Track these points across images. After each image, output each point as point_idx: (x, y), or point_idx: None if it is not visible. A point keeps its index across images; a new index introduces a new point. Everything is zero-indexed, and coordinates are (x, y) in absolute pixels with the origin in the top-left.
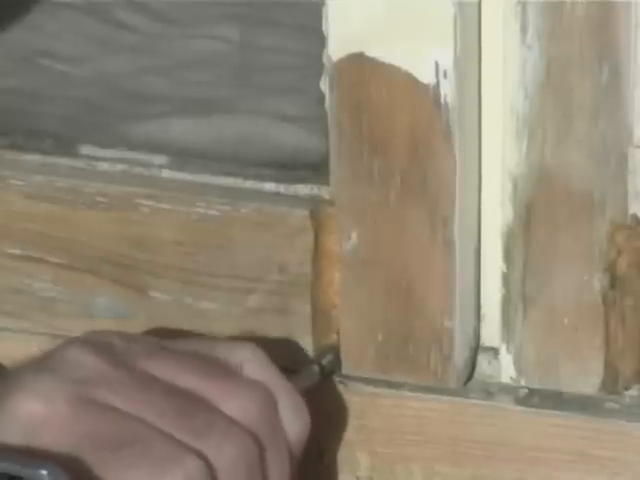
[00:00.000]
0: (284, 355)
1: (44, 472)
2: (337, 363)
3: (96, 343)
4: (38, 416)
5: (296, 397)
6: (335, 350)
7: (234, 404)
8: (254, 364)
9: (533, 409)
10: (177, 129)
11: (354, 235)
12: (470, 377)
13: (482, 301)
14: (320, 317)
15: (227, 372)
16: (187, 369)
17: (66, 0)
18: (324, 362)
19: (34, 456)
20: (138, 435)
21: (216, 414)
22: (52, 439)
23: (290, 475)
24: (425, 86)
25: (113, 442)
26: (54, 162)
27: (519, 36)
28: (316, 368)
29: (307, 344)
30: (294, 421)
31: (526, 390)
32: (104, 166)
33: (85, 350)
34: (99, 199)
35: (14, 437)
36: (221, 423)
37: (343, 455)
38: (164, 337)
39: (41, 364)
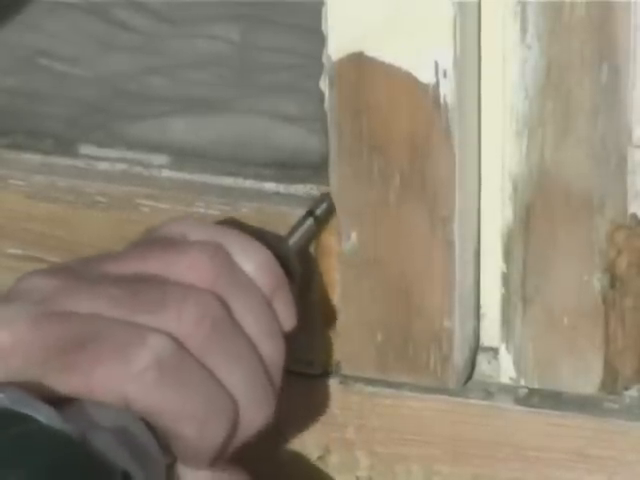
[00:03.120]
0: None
1: (0, 395)
2: (331, 211)
3: (52, 268)
4: (5, 345)
5: (246, 238)
6: (328, 198)
7: (181, 267)
8: (194, 229)
9: (533, 409)
10: (177, 129)
11: (354, 235)
12: (470, 377)
13: (482, 301)
14: (319, 317)
15: (170, 243)
16: (132, 257)
17: (66, 0)
18: (318, 212)
19: None
20: (98, 330)
21: (167, 285)
22: (21, 362)
23: (268, 310)
24: (425, 86)
25: (76, 343)
26: (54, 162)
27: (519, 36)
28: (310, 219)
29: (307, 344)
30: (251, 259)
31: (526, 390)
32: (104, 166)
33: (42, 275)
34: (99, 199)
35: None
36: (174, 291)
37: (343, 455)
38: None
39: (3, 298)
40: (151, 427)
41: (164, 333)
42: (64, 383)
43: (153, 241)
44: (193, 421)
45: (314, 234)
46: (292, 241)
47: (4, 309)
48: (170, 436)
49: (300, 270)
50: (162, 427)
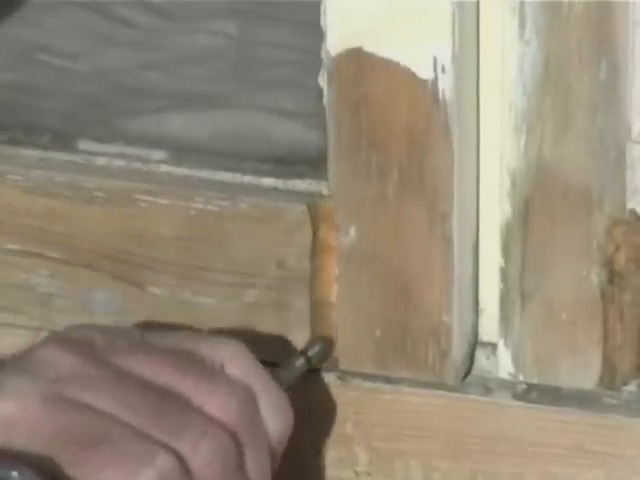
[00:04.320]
0: (276, 348)
1: (15, 473)
2: (325, 354)
3: (74, 340)
4: (12, 417)
5: (279, 395)
6: (324, 341)
7: (213, 402)
8: (236, 362)
9: (531, 404)
10: (175, 124)
11: (352, 230)
12: (468, 372)
13: (480, 296)
14: (318, 312)
15: (207, 370)
16: (166, 365)
17: None
18: (310, 353)
19: (6, 457)
20: (111, 433)
21: (193, 412)
22: (25, 439)
23: (270, 473)
24: (423, 81)
25: (86, 440)
26: (52, 157)
27: (517, 31)
28: (302, 360)
29: (305, 339)
30: (275, 420)
31: (524, 385)
32: (102, 161)
33: (61, 348)
34: (97, 194)
35: None
36: (198, 421)
37: (341, 450)
38: (152, 330)
39: (17, 364)
40: None
41: (175, 455)
42: (68, 474)
43: (191, 359)
44: None
45: (304, 374)
46: (282, 377)
47: (15, 379)
48: None
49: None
50: None
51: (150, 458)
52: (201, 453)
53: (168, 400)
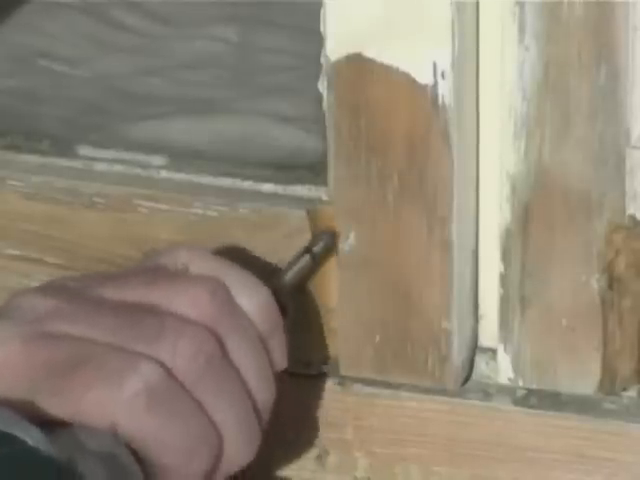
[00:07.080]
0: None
1: None
2: (330, 249)
3: (49, 287)
4: None
5: (247, 276)
6: (327, 235)
7: (182, 301)
8: (196, 261)
9: (531, 410)
10: (175, 130)
11: (352, 235)
12: (468, 378)
13: (480, 302)
14: (318, 318)
15: (172, 275)
16: (133, 283)
17: (65, 1)
18: (316, 249)
19: None
20: (90, 354)
21: (165, 316)
22: (9, 381)
23: (262, 352)
24: (423, 87)
25: (67, 367)
26: (52, 163)
27: (517, 37)
28: (307, 256)
29: (305, 343)
30: (251, 299)
31: (524, 391)
32: (102, 167)
33: (38, 294)
34: (97, 200)
35: None
36: (171, 323)
37: (341, 456)
38: None
39: None
40: (136, 454)
41: (157, 362)
42: (53, 406)
43: (155, 270)
44: (177, 451)
45: (311, 271)
46: (288, 276)
47: None
48: (153, 464)
49: (294, 306)
50: (147, 454)
51: (132, 368)
52: (181, 353)
53: (140, 312)
